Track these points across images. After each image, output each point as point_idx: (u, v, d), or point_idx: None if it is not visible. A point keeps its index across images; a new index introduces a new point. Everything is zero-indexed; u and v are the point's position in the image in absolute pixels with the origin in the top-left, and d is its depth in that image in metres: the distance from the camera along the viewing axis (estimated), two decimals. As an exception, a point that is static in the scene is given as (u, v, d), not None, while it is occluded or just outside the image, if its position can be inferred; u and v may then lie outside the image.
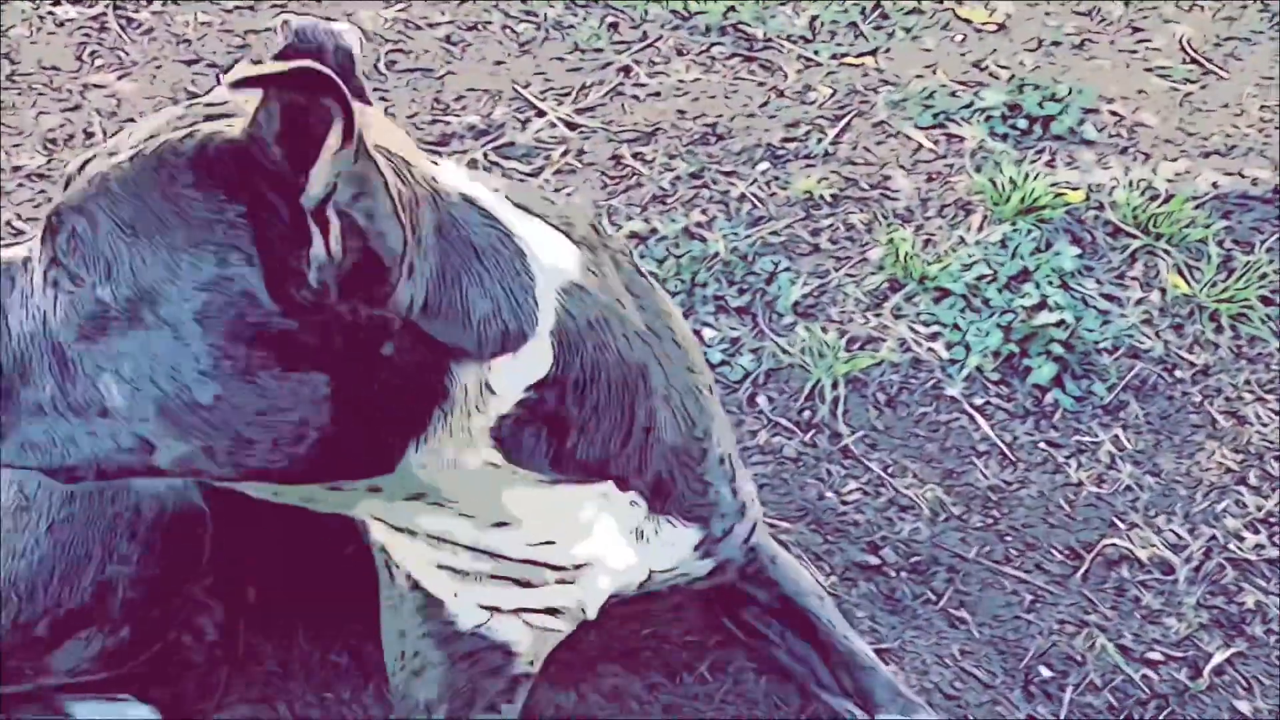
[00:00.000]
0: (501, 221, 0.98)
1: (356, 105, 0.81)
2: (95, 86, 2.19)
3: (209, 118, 0.90)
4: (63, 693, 1.29)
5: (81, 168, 0.91)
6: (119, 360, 0.87)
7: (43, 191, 1.99)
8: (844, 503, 1.61)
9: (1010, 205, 1.95)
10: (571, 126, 2.16)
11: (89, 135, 2.09)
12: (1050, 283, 1.85)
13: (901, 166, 2.08)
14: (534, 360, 0.98)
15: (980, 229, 1.95)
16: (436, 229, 0.91)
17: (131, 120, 2.13)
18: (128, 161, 0.87)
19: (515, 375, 0.97)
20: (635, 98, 2.23)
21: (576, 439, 1.04)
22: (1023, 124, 2.14)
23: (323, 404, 0.89)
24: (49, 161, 2.04)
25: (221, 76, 0.87)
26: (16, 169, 2.01)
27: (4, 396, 0.92)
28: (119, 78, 2.22)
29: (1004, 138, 2.12)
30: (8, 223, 1.93)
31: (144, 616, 1.21)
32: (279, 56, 0.99)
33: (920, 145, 2.12)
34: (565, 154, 2.12)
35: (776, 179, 2.07)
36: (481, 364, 0.95)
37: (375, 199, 0.84)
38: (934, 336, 1.81)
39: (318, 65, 0.78)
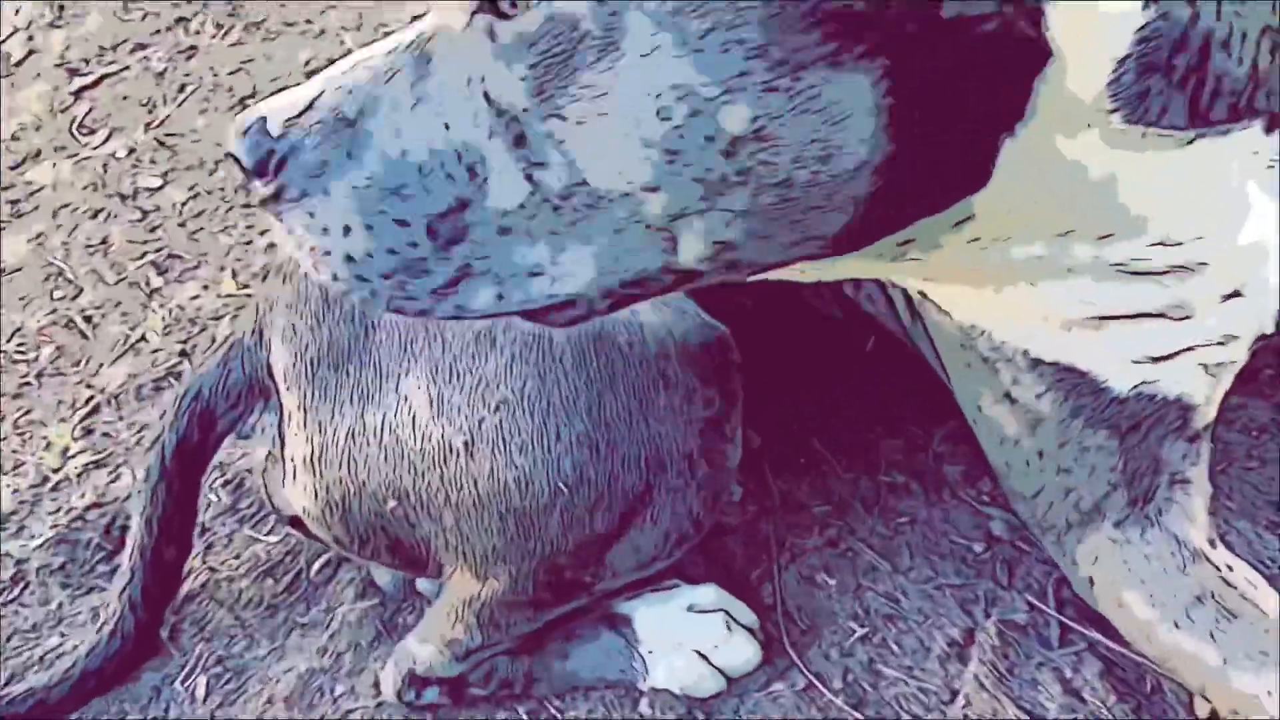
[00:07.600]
0: None
1: None
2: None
3: None
4: (614, 598, 1.06)
5: None
6: (598, 101, 0.61)
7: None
8: None
9: None
10: None
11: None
12: None
13: None
14: None
15: None
16: None
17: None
18: None
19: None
20: None
21: (1220, 68, 0.73)
22: None
23: (884, 102, 0.61)
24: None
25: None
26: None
27: (458, 219, 0.65)
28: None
29: None
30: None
31: (702, 465, 0.98)
32: None
33: None
34: None
35: None
36: None
37: None
38: None
39: None
